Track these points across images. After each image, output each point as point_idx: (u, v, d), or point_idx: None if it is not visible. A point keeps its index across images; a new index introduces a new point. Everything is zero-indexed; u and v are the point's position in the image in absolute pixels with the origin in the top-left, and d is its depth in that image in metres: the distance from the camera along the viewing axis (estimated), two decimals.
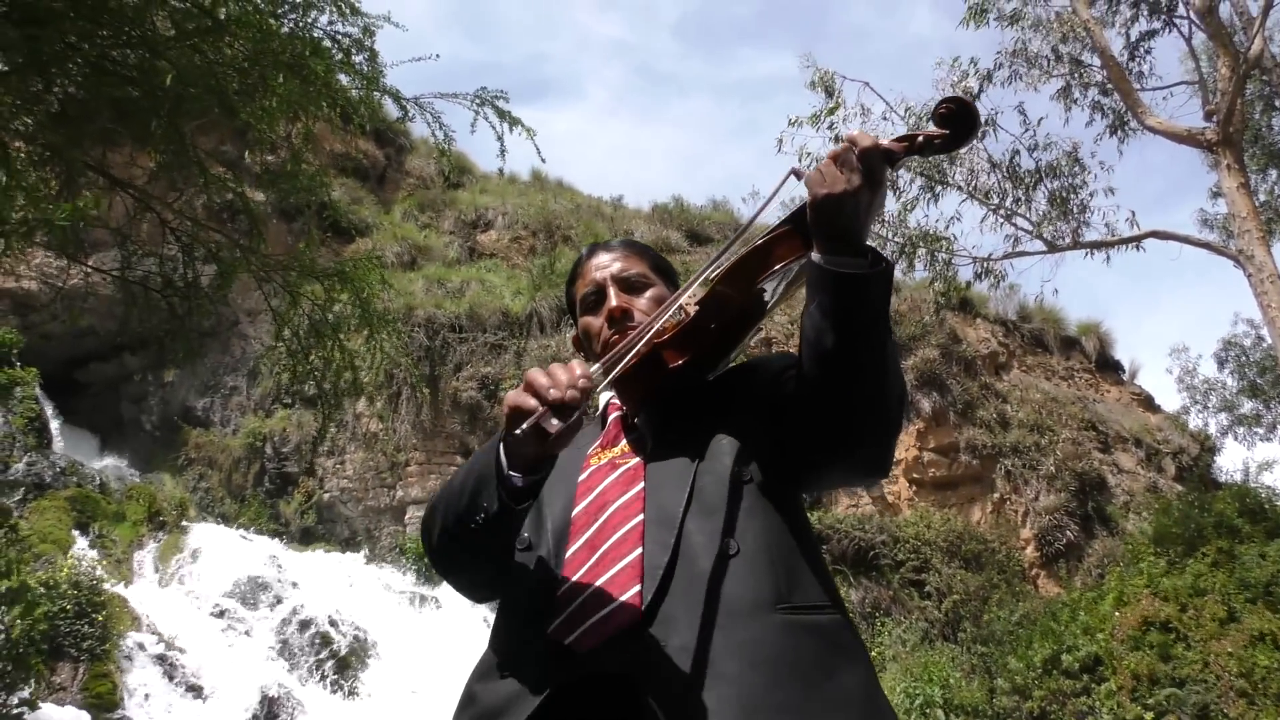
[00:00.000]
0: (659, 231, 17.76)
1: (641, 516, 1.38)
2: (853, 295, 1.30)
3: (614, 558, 1.34)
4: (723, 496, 1.38)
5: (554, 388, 1.25)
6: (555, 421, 1.24)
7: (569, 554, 1.40)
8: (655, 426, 1.56)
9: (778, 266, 1.45)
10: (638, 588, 1.29)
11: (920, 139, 1.38)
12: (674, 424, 1.54)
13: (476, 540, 1.44)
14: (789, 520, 1.41)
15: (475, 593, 1.65)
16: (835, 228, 1.32)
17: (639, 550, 1.34)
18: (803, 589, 1.32)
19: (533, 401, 1.26)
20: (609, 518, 1.41)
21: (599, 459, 1.56)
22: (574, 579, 1.36)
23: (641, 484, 1.44)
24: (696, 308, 1.53)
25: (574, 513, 1.46)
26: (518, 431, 1.25)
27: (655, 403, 1.58)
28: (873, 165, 1.31)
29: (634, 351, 1.42)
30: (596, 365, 1.37)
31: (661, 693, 1.18)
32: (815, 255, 1.34)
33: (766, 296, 1.56)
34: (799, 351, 1.39)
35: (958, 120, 1.37)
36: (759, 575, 1.30)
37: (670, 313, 1.54)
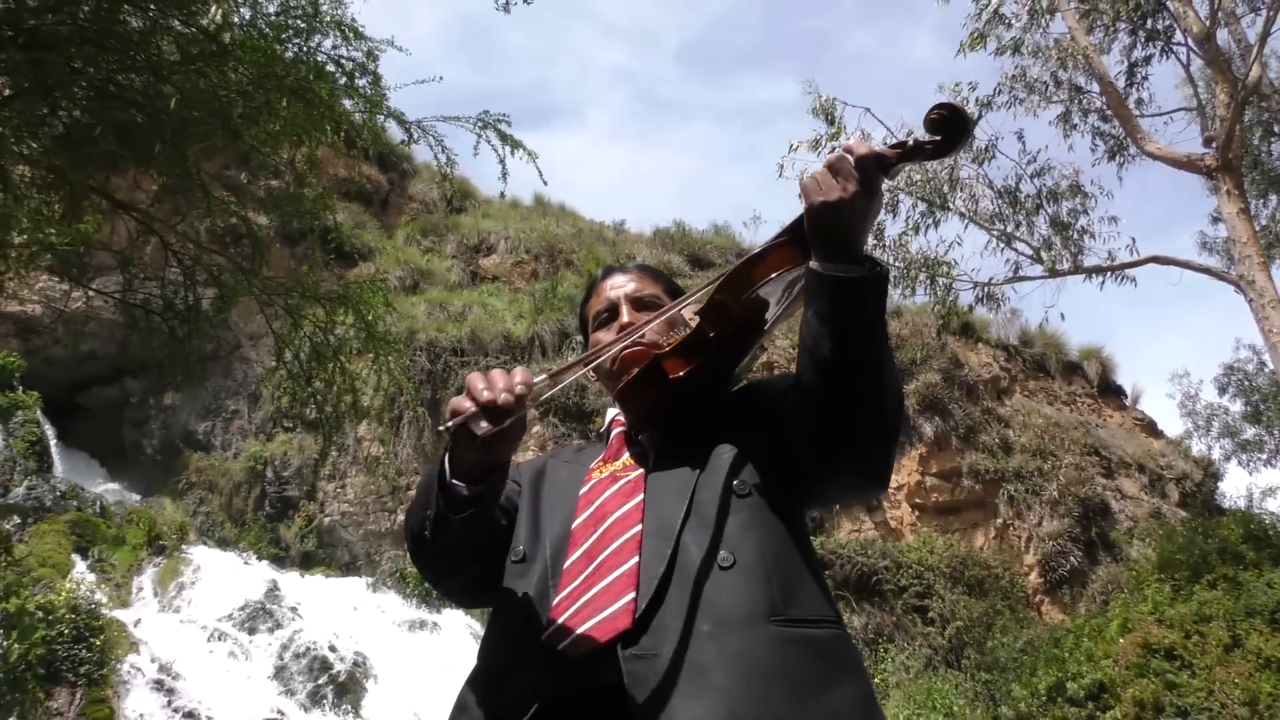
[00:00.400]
0: (661, 256, 17.79)
1: (639, 527, 1.38)
2: (848, 299, 1.30)
3: (610, 567, 1.34)
4: (721, 509, 1.38)
5: (488, 389, 1.27)
6: (484, 424, 1.25)
7: (568, 564, 1.41)
8: (657, 440, 1.56)
9: (774, 274, 1.45)
10: (632, 596, 1.29)
11: (913, 144, 1.38)
12: (676, 438, 1.55)
13: (443, 545, 1.46)
14: (789, 534, 1.41)
15: (461, 598, 1.70)
16: (833, 236, 1.32)
17: (635, 559, 1.34)
18: (799, 602, 1.32)
19: (468, 404, 1.28)
20: (608, 528, 1.41)
21: (600, 472, 1.57)
22: (570, 587, 1.36)
23: (641, 496, 1.45)
24: (696, 318, 1.54)
25: (574, 524, 1.47)
26: (441, 429, 1.27)
27: (658, 416, 1.58)
28: (869, 172, 1.31)
29: (583, 360, 1.44)
30: (542, 375, 1.37)
31: (653, 702, 1.18)
32: (813, 263, 1.35)
33: (768, 314, 1.56)
34: (798, 361, 1.40)
35: (949, 126, 1.37)
36: (754, 587, 1.30)
37: (651, 328, 1.57)
